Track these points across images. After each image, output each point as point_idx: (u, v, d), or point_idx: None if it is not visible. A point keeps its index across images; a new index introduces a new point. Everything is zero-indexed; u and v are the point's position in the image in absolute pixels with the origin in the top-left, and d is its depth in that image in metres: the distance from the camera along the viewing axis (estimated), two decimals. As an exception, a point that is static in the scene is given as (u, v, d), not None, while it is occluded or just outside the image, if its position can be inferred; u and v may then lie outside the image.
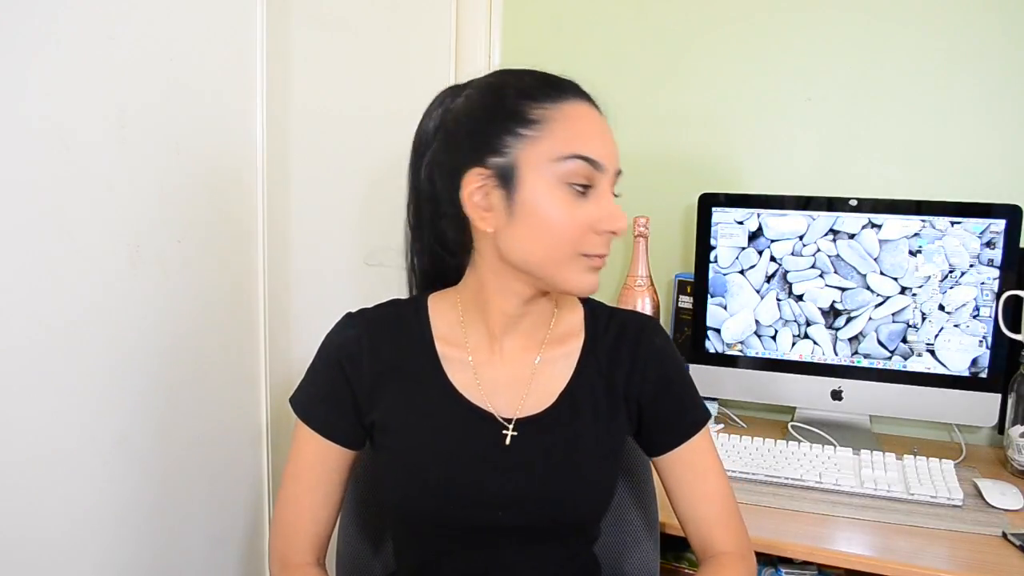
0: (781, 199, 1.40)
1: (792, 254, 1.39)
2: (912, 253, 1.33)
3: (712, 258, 1.44)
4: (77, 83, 0.82)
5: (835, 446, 1.29)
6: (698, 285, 1.46)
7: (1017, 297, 1.29)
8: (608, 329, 0.90)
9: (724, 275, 1.44)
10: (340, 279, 1.35)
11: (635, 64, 1.63)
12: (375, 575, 1.03)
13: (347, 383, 0.85)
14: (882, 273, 1.35)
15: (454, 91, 0.85)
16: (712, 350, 1.46)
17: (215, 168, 1.04)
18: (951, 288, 1.32)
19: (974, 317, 1.31)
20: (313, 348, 0.88)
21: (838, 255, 1.37)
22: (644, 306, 1.48)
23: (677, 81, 1.60)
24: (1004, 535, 1.06)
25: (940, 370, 1.34)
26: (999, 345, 1.30)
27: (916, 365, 1.35)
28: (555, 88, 0.78)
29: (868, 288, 1.36)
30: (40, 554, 0.82)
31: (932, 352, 1.34)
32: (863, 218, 1.35)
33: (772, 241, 1.40)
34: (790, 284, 1.40)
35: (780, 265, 1.40)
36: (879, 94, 1.48)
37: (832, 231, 1.37)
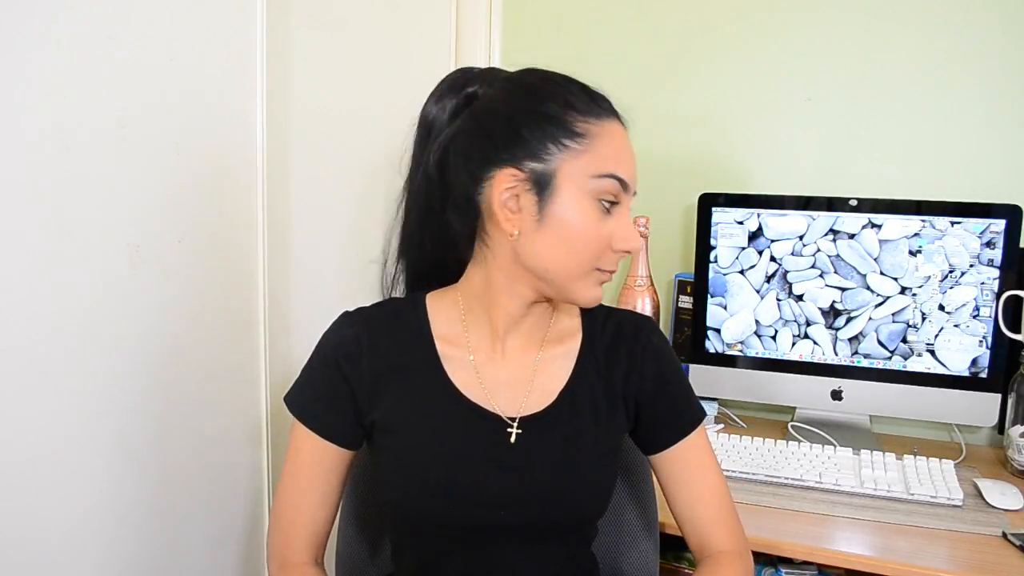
0: (781, 199, 1.40)
1: (792, 254, 1.39)
2: (912, 253, 1.33)
3: (712, 258, 1.44)
4: (77, 83, 0.82)
5: (835, 446, 1.29)
6: (698, 285, 1.46)
7: (1017, 297, 1.29)
8: (605, 329, 0.90)
9: (724, 275, 1.44)
10: (340, 279, 1.35)
11: (635, 64, 1.63)
12: (373, 575, 1.03)
13: (346, 383, 0.85)
14: (882, 273, 1.35)
15: (470, 77, 0.83)
16: (712, 350, 1.46)
17: (215, 168, 1.04)
18: (951, 288, 1.32)
19: (974, 317, 1.31)
20: (313, 348, 0.88)
21: (838, 255, 1.37)
22: (644, 306, 1.48)
23: (677, 81, 1.60)
24: (1004, 535, 1.06)
25: (940, 370, 1.34)
26: (999, 345, 1.30)
27: (916, 365, 1.35)
28: (597, 103, 0.79)
29: (868, 288, 1.36)
30: (40, 554, 0.83)
31: (932, 352, 1.34)
32: (863, 218, 1.35)
33: (772, 241, 1.40)
34: (790, 284, 1.40)
35: (780, 265, 1.40)
36: (879, 94, 1.48)
37: (832, 231, 1.37)
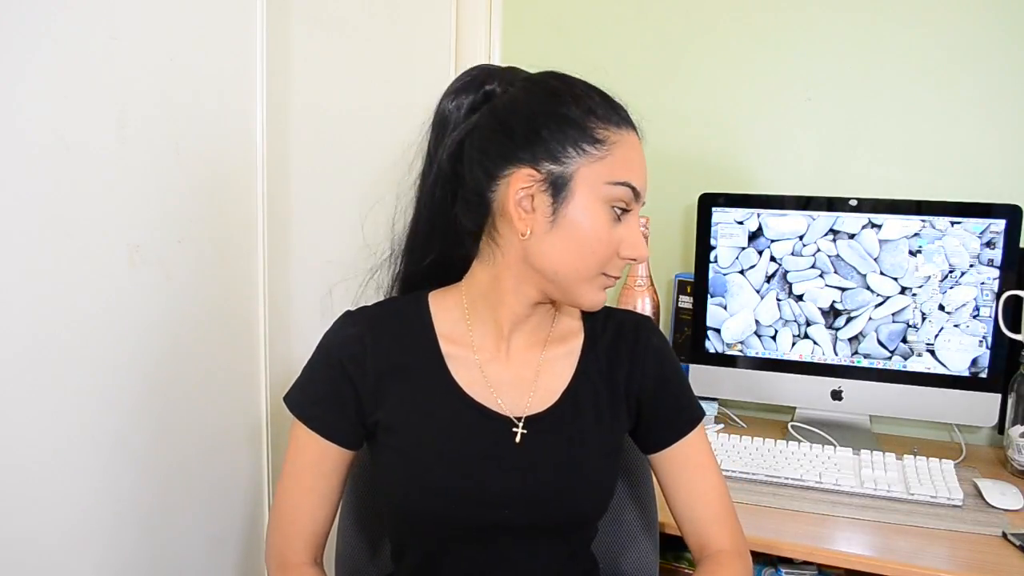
0: (781, 199, 1.40)
1: (792, 254, 1.39)
2: (912, 253, 1.33)
3: (712, 258, 1.44)
4: (77, 83, 0.82)
5: (835, 446, 1.29)
6: (698, 285, 1.46)
7: (1017, 297, 1.29)
8: (606, 328, 0.91)
9: (724, 275, 1.44)
10: (340, 279, 1.34)
11: (635, 64, 1.63)
12: (373, 574, 1.03)
13: (350, 383, 0.84)
14: (882, 273, 1.35)
15: (490, 74, 0.83)
16: (712, 350, 1.46)
17: (215, 168, 1.04)
18: (951, 288, 1.32)
19: (974, 317, 1.31)
20: (313, 348, 0.88)
21: (838, 255, 1.37)
22: (644, 306, 1.48)
23: (677, 81, 1.60)
24: (1004, 535, 1.06)
25: (940, 370, 1.34)
26: (999, 345, 1.30)
27: (916, 365, 1.35)
28: (617, 112, 0.80)
29: (868, 288, 1.36)
30: (40, 554, 0.82)
31: (932, 352, 1.34)
32: (863, 218, 1.35)
33: (772, 241, 1.40)
34: (790, 284, 1.40)
35: (780, 265, 1.40)
36: (879, 94, 1.48)
37: (832, 231, 1.37)
